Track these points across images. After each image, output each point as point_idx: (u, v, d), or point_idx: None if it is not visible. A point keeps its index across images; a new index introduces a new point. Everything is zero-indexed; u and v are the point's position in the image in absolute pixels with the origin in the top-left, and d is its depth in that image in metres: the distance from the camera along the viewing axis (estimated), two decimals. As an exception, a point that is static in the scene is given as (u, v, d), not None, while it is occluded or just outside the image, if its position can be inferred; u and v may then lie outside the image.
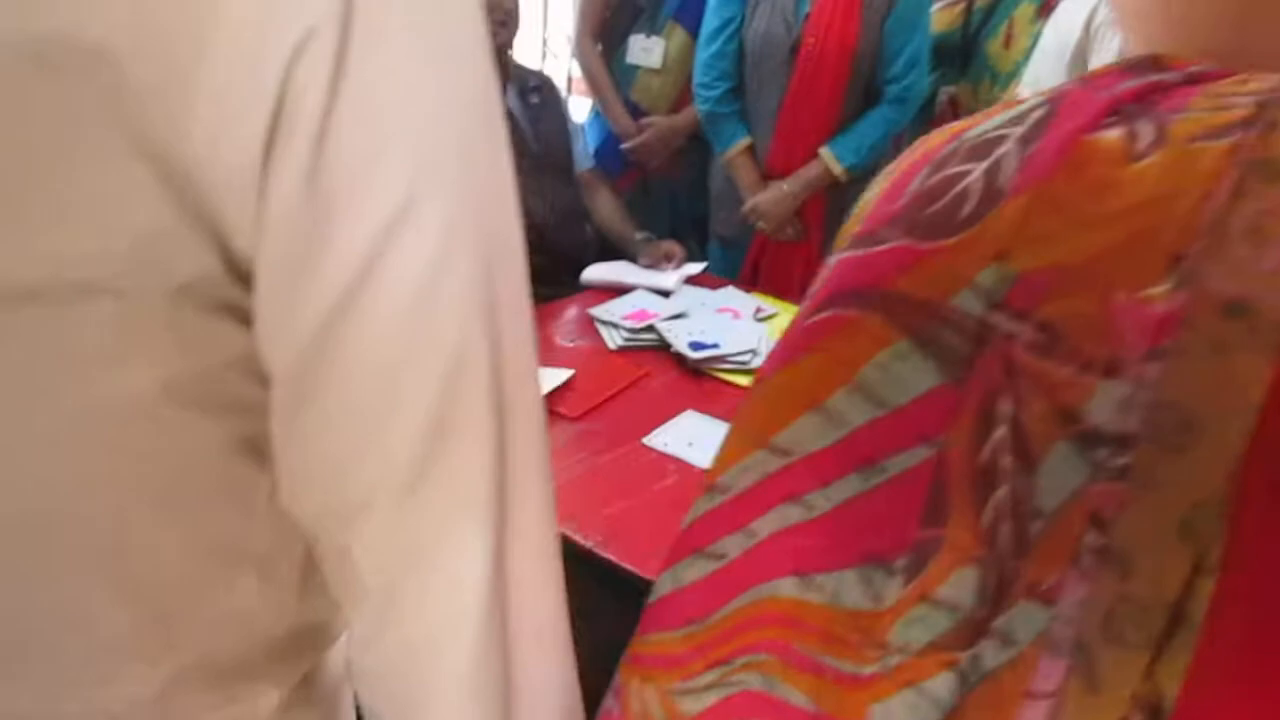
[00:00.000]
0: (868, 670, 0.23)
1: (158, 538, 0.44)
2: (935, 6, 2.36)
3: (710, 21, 2.34)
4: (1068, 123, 0.22)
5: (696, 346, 1.97)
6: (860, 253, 0.24)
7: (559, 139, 2.47)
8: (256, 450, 0.44)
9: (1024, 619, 0.21)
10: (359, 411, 0.39)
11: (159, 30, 0.34)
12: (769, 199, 2.34)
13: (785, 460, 0.25)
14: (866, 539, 0.23)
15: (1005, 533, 0.21)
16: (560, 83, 3.02)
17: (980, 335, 0.21)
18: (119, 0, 0.33)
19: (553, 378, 1.90)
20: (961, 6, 2.37)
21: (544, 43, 3.20)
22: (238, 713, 0.50)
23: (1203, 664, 0.19)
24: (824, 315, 0.24)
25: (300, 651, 0.53)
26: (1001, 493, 0.21)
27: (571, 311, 2.29)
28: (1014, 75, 2.19)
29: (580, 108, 2.96)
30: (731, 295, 2.28)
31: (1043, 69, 1.80)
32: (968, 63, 2.33)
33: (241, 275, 0.38)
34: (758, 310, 2.14)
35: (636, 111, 2.59)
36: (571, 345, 2.12)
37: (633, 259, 2.44)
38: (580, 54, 2.66)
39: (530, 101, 2.42)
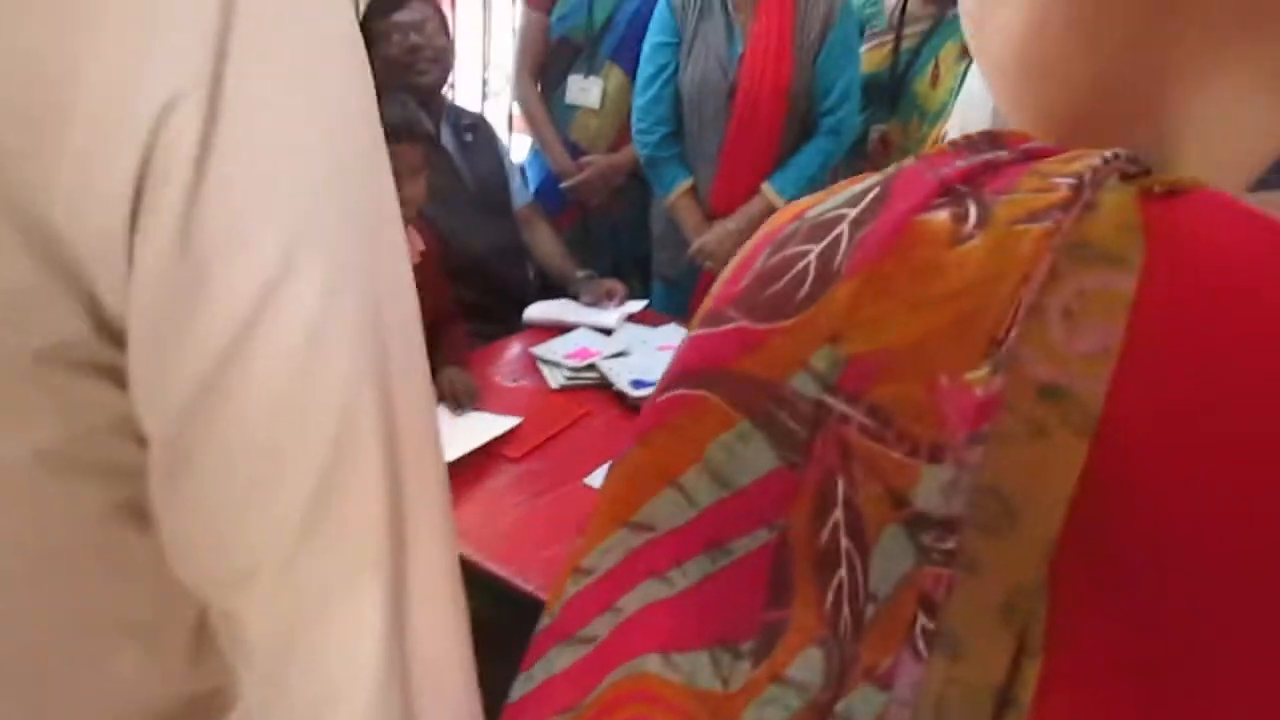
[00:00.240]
0: None
1: (28, 607, 0.42)
2: (864, 47, 2.42)
3: (644, 69, 2.38)
4: (900, 204, 0.23)
5: (638, 385, 1.97)
6: (707, 332, 0.24)
7: (495, 176, 2.47)
8: (138, 514, 0.42)
9: (863, 702, 0.21)
10: (240, 477, 0.38)
11: (21, 94, 0.33)
12: (714, 238, 2.37)
13: (647, 536, 0.25)
14: (716, 621, 0.23)
15: (845, 615, 0.21)
16: (501, 121, 3.03)
17: (817, 418, 0.21)
18: None
19: (498, 425, 1.88)
20: (889, 47, 2.44)
21: (484, 83, 3.21)
22: None
23: (1030, 749, 0.19)
24: (674, 393, 0.24)
25: None
26: (840, 575, 0.21)
27: (513, 350, 2.28)
28: (941, 114, 2.25)
29: (520, 146, 2.97)
30: (673, 333, 2.29)
31: (968, 110, 1.84)
32: (897, 101, 2.39)
33: (114, 336, 0.38)
34: (699, 346, 2.15)
35: (575, 150, 2.61)
36: (514, 385, 2.11)
37: (574, 297, 2.44)
38: (519, 93, 2.67)
39: (465, 140, 2.43)
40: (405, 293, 0.43)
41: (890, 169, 0.24)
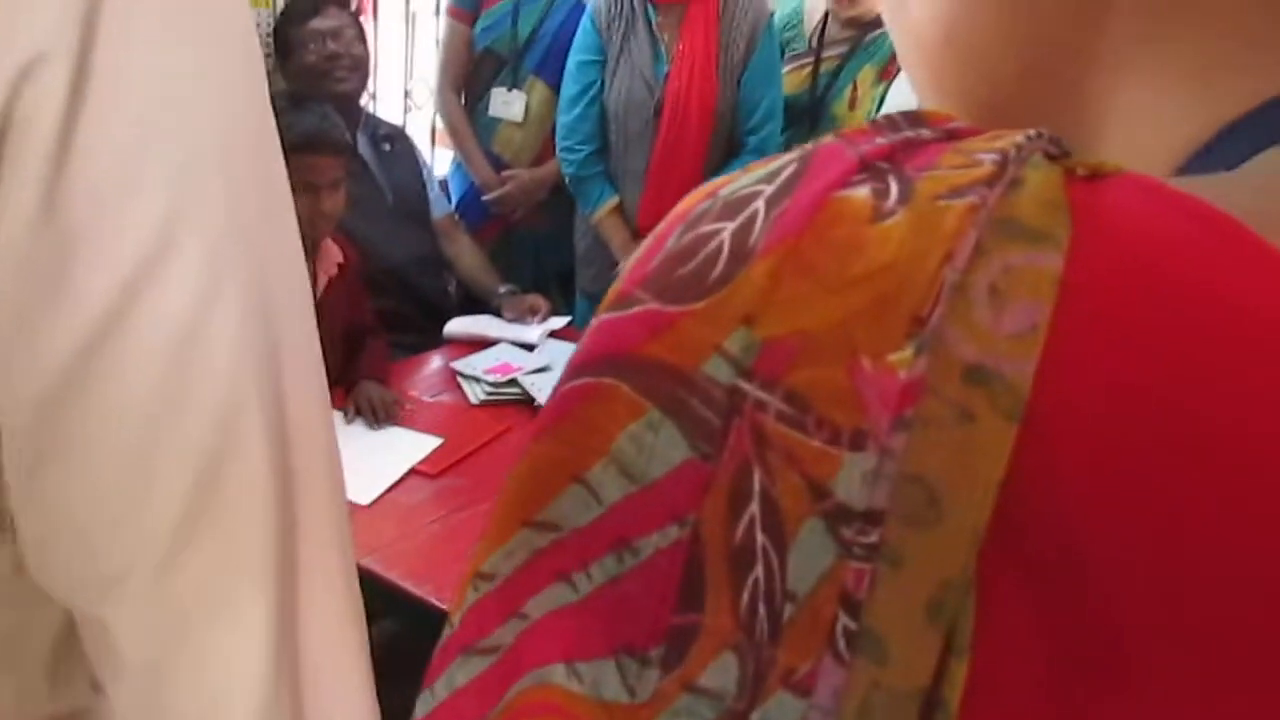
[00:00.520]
0: None
1: None
2: (784, 69, 2.46)
3: (569, 87, 2.38)
4: (818, 180, 0.21)
5: (559, 400, 1.95)
6: (614, 316, 0.22)
7: (414, 186, 2.44)
8: None
9: (780, 710, 0.20)
10: (108, 474, 0.35)
11: None
12: (641, 255, 2.38)
13: (554, 535, 0.23)
14: (621, 626, 0.21)
15: (761, 616, 0.19)
16: (424, 134, 2.99)
17: (731, 404, 0.20)
18: None
19: (420, 445, 1.84)
20: (809, 69, 2.48)
21: (406, 94, 3.17)
22: None
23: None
24: (578, 383, 0.23)
25: None
26: (756, 573, 0.19)
27: (434, 365, 2.24)
28: (860, 134, 2.30)
29: (443, 160, 2.94)
30: (596, 347, 2.28)
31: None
32: (816, 122, 2.43)
33: None
34: (622, 362, 2.14)
35: (498, 164, 2.59)
36: (433, 400, 2.07)
37: (496, 312, 2.41)
38: (442, 106, 2.65)
39: (383, 149, 2.39)
40: (297, 280, 0.40)
41: (808, 146, 0.23)
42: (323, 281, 1.99)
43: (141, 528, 0.36)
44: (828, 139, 0.23)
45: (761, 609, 0.20)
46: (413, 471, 1.76)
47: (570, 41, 2.40)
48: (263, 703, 0.37)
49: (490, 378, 2.08)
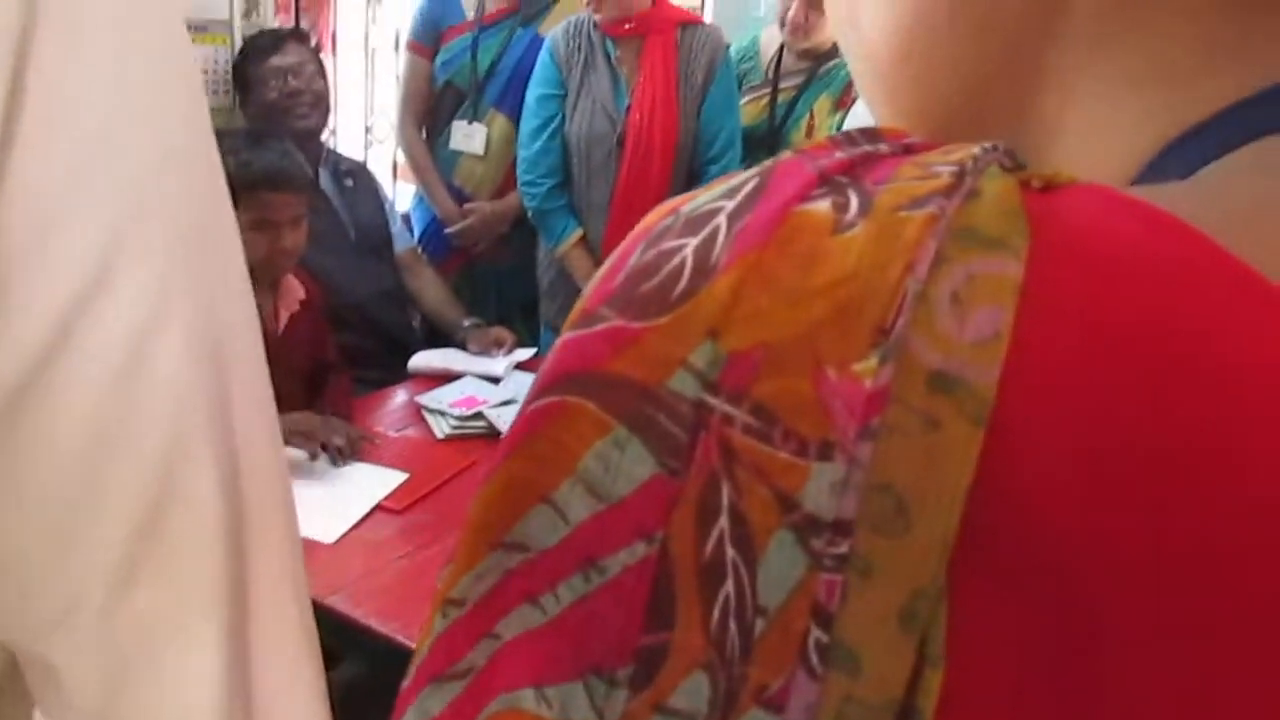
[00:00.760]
0: None
1: None
2: (742, 100, 2.50)
3: (529, 121, 2.38)
4: (777, 195, 0.21)
5: (526, 432, 1.94)
6: (578, 334, 0.22)
7: (376, 221, 2.44)
8: None
9: (753, 728, 0.19)
10: (50, 508, 0.34)
11: None
12: (609, 287, 2.38)
13: (523, 556, 0.23)
14: (589, 647, 0.21)
15: (733, 633, 0.19)
16: (385, 169, 2.99)
17: (697, 419, 0.20)
18: None
19: (386, 480, 1.82)
20: (766, 100, 2.52)
21: (367, 129, 3.17)
22: None
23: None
24: (545, 401, 0.22)
25: None
26: (727, 589, 0.19)
27: (398, 399, 2.22)
28: (818, 163, 2.34)
29: (405, 194, 2.93)
30: (562, 378, 2.27)
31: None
32: (774, 151, 2.46)
33: None
34: (588, 393, 2.14)
35: (460, 196, 2.59)
36: (398, 435, 2.05)
37: (461, 345, 2.40)
38: (404, 139, 2.65)
39: (345, 185, 2.38)
40: (245, 314, 0.40)
41: (768, 163, 0.23)
42: (285, 318, 1.97)
43: (85, 565, 0.35)
44: (786, 155, 0.23)
45: (732, 625, 0.20)
46: (378, 508, 1.74)
47: (529, 74, 2.41)
48: None
49: (456, 411, 2.07)
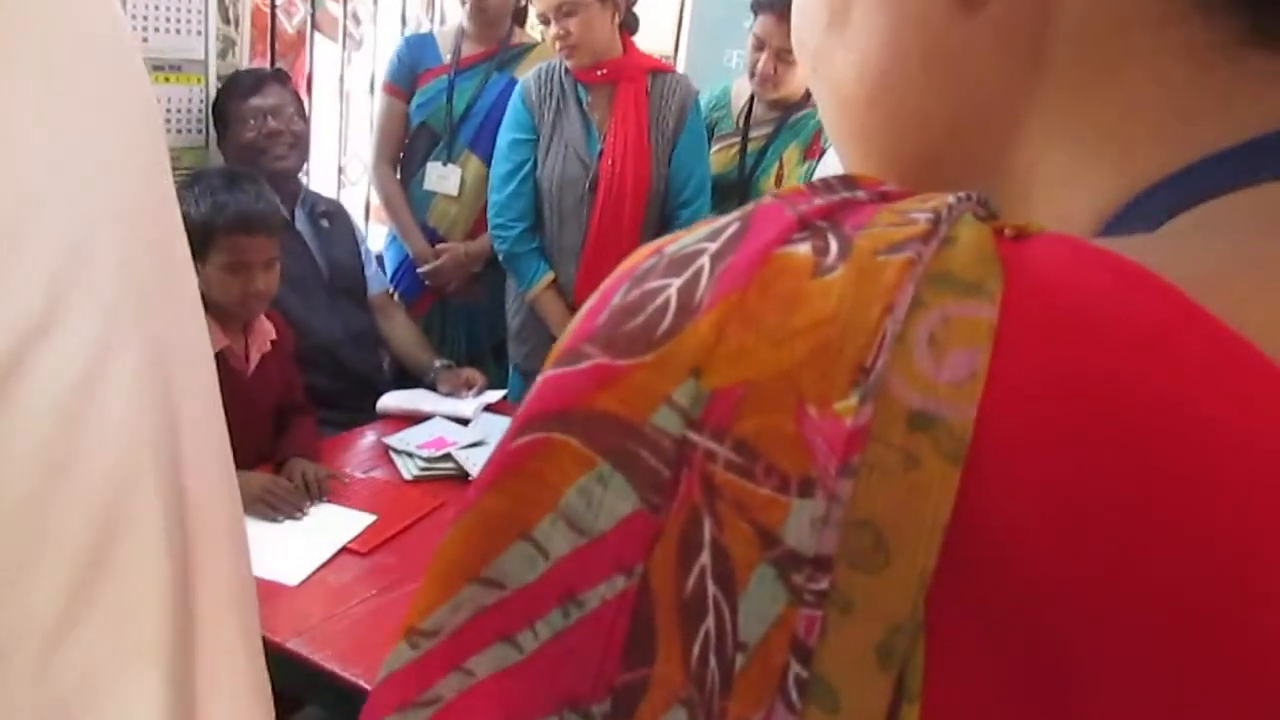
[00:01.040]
0: None
1: None
2: (713, 148, 2.54)
3: (500, 165, 2.39)
4: (759, 237, 0.22)
5: (495, 474, 1.92)
6: (561, 371, 0.23)
7: (350, 262, 2.43)
8: None
9: (733, 765, 0.19)
10: None
11: None
12: (582, 332, 2.39)
13: (499, 594, 0.23)
14: (565, 681, 0.21)
15: (713, 668, 0.19)
16: (359, 209, 2.99)
17: (680, 455, 0.20)
18: None
19: (352, 522, 1.80)
20: (736, 148, 2.56)
21: (340, 170, 3.17)
22: None
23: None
24: (528, 438, 0.23)
25: None
26: (708, 624, 0.19)
27: (366, 440, 2.20)
28: (788, 210, 2.38)
29: (378, 235, 2.93)
30: (532, 420, 2.26)
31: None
32: (745, 199, 2.50)
33: None
34: (558, 435, 2.13)
35: (434, 236, 2.59)
36: (365, 476, 2.03)
37: (431, 386, 2.39)
38: (378, 180, 2.66)
39: (320, 225, 2.38)
40: (198, 354, 0.39)
41: (748, 206, 0.24)
42: (255, 359, 1.96)
43: (21, 611, 0.34)
44: (767, 199, 0.24)
45: (713, 660, 0.20)
46: (343, 550, 1.72)
47: (504, 117, 2.44)
48: None
49: (424, 453, 2.05)
